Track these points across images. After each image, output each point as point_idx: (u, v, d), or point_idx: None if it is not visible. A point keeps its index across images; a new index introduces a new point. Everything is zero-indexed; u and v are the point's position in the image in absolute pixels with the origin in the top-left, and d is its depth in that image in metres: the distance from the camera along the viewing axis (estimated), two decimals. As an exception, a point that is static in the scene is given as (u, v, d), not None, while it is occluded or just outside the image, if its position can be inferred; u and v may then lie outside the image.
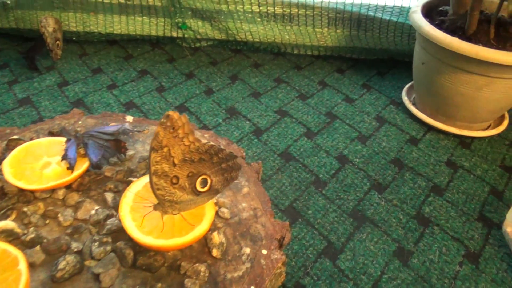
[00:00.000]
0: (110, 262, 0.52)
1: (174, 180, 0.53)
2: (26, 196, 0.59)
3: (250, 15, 1.15)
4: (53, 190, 0.60)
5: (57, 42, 1.08)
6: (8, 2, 1.11)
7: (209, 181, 0.55)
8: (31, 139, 0.68)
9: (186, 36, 1.19)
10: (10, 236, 0.54)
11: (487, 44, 0.86)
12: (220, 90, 1.06)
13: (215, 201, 0.61)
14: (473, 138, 0.96)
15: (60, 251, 0.53)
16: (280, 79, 1.12)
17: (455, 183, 0.84)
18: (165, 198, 0.53)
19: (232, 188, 0.65)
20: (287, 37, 1.17)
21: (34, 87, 1.02)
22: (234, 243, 0.57)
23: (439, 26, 0.91)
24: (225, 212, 0.61)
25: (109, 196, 0.61)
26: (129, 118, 0.77)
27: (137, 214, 0.55)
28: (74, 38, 1.19)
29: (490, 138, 0.97)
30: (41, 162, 0.61)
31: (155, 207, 0.54)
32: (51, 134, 0.69)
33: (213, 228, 0.57)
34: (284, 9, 1.14)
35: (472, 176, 0.85)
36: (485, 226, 0.75)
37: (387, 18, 1.14)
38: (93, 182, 0.63)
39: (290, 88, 1.08)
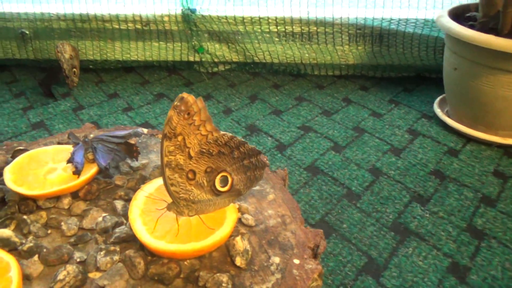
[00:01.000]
0: (117, 273, 0.45)
1: (190, 175, 0.46)
2: (28, 205, 0.53)
3: (268, 35, 1.12)
4: (57, 198, 0.54)
5: (74, 69, 1.07)
6: (27, 32, 1.11)
7: (229, 179, 0.48)
8: (38, 148, 0.63)
9: (203, 59, 1.16)
10: (6, 246, 0.47)
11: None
12: (239, 110, 1.01)
13: (237, 206, 0.54)
14: (519, 147, 0.87)
15: (61, 261, 0.46)
16: (302, 97, 1.07)
17: (507, 193, 0.74)
18: (180, 196, 0.46)
19: (256, 195, 0.58)
20: (307, 55, 1.13)
21: (49, 112, 0.99)
22: (260, 252, 0.49)
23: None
24: (249, 219, 0.53)
25: (119, 204, 0.54)
26: (144, 130, 0.72)
27: (149, 217, 0.48)
28: (91, 66, 1.18)
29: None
30: (45, 168, 0.56)
31: (169, 207, 0.46)
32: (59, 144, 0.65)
33: (235, 234, 0.49)
34: (303, 27, 1.11)
35: (525, 185, 0.76)
36: (550, 238, 0.65)
37: (411, 31, 1.09)
38: (102, 192, 0.57)
39: (313, 106, 1.03)
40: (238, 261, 0.46)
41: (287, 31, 1.12)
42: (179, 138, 0.44)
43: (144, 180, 0.58)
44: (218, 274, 0.44)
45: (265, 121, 0.96)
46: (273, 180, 0.62)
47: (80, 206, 0.54)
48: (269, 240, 0.50)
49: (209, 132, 0.46)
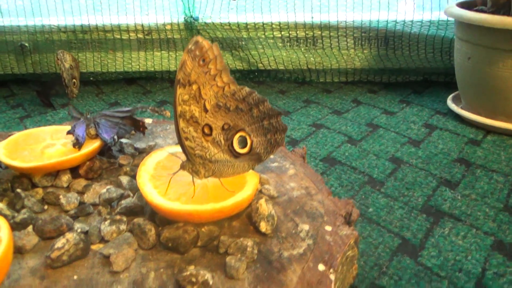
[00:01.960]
0: (125, 242, 0.39)
1: (207, 130, 0.41)
2: (22, 183, 0.48)
3: (272, 40, 1.10)
4: (56, 175, 0.48)
5: (74, 80, 1.04)
6: (27, 45, 1.09)
7: (249, 141, 0.43)
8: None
9: (206, 69, 1.14)
10: (-4, 219, 0.41)
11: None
12: (246, 112, 0.97)
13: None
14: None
15: (59, 233, 0.40)
16: (309, 100, 1.03)
17: (540, 176, 0.69)
18: (196, 152, 0.41)
19: (275, 170, 0.53)
20: (312, 59, 1.11)
21: (47, 119, 0.95)
22: (286, 220, 0.43)
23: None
24: (270, 189, 0.47)
25: (124, 179, 0.48)
26: (148, 120, 0.67)
27: (159, 182, 0.42)
28: (91, 78, 1.15)
29: None
30: (43, 144, 0.51)
31: (183, 165, 0.41)
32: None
33: (258, 198, 0.44)
34: (307, 32, 1.10)
35: (557, 169, 0.71)
36: None
37: (417, 32, 1.08)
38: (105, 172, 0.51)
39: (322, 107, 0.99)
40: (263, 226, 0.40)
41: (291, 36, 1.10)
42: (194, 87, 0.40)
43: (151, 157, 0.53)
44: (241, 239, 0.38)
45: (274, 121, 0.92)
46: (292, 158, 0.57)
47: (81, 183, 0.48)
48: (294, 210, 0.45)
49: (226, 84, 0.42)
